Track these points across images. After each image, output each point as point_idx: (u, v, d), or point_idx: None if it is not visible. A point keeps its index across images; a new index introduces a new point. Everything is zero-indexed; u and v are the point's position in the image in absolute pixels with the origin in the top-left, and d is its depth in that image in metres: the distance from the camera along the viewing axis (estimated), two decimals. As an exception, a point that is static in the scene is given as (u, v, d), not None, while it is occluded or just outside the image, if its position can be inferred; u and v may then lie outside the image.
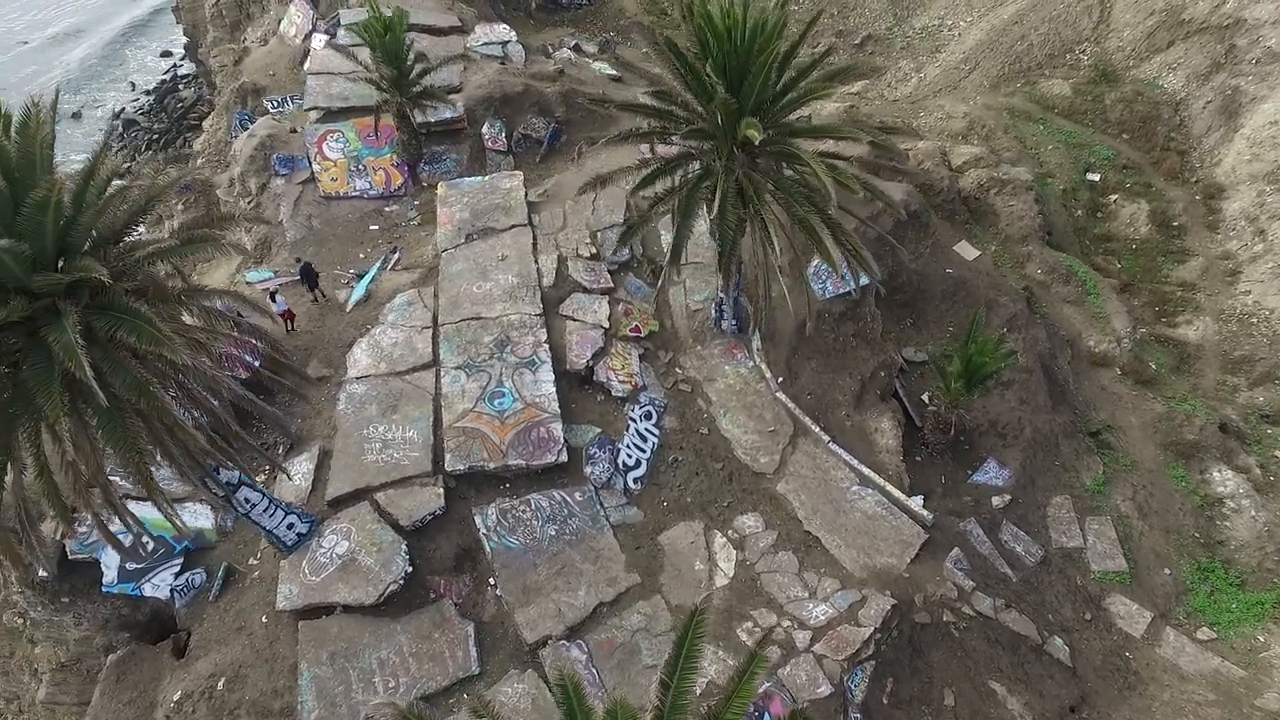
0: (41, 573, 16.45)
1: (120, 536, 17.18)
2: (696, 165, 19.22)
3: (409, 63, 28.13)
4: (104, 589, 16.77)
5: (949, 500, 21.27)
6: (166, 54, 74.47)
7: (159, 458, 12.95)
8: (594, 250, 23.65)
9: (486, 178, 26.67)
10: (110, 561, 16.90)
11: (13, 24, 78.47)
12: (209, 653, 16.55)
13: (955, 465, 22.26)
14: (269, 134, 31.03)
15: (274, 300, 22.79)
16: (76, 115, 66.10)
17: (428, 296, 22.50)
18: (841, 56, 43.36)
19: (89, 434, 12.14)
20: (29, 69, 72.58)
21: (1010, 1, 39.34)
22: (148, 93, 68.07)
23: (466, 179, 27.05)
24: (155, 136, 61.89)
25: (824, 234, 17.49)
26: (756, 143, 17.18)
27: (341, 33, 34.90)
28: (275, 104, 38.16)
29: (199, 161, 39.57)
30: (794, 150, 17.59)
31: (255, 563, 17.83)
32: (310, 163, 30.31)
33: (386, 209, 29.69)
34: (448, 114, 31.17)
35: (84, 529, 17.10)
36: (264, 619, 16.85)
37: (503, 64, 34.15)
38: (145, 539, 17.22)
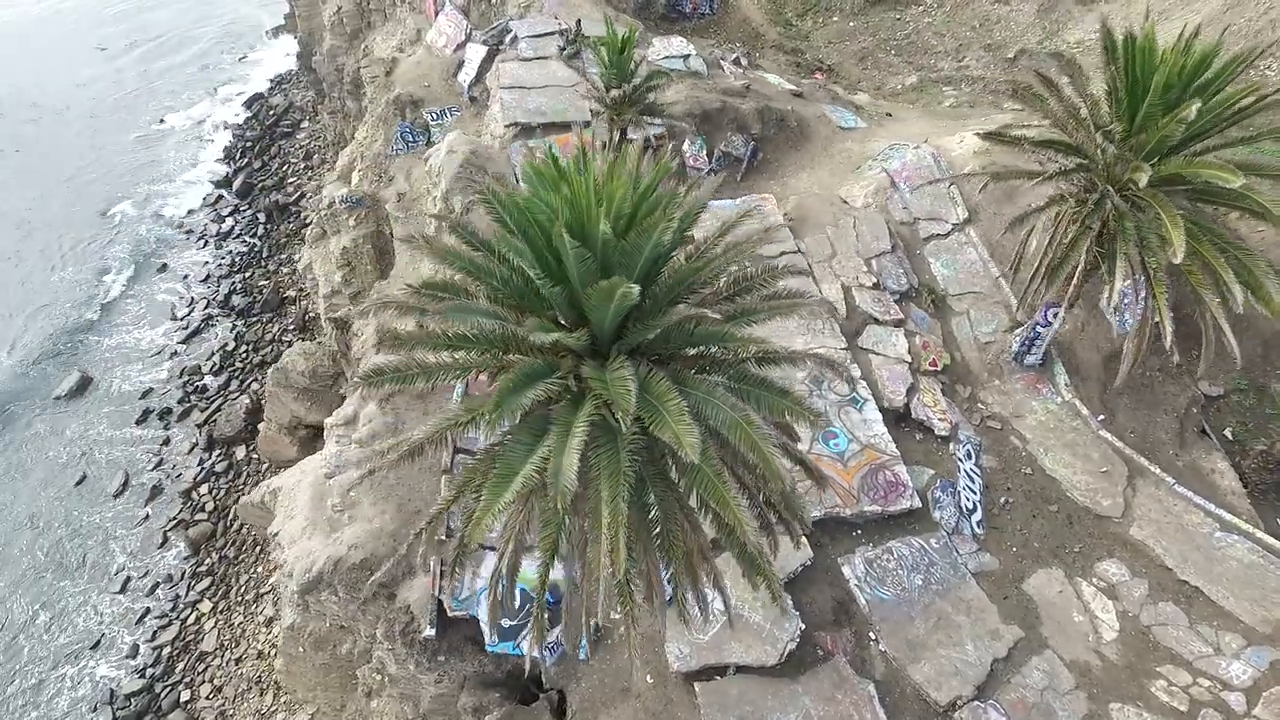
0: (428, 631, 15.66)
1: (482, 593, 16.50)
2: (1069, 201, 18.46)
3: (638, 80, 27.35)
4: (489, 648, 15.98)
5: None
6: (244, 59, 73.59)
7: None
8: (875, 279, 22.92)
9: (738, 200, 25.90)
10: (487, 620, 16.12)
11: (91, 30, 77.34)
12: (596, 715, 15.78)
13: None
14: (471, 150, 30.17)
15: None
16: (162, 121, 64.96)
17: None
18: (992, 71, 42.82)
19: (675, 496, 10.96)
20: (108, 74, 71.48)
21: (1182, 12, 38.70)
22: (235, 101, 66.99)
23: (715, 202, 26.25)
24: (249, 144, 60.84)
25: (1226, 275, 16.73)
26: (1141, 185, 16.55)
27: (523, 45, 34.07)
28: (434, 116, 37.47)
29: (355, 177, 38.62)
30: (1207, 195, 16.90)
31: (617, 617, 17.06)
32: (518, 180, 29.46)
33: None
34: (649, 131, 30.43)
35: (457, 584, 16.32)
36: (649, 679, 16.09)
37: (695, 79, 33.38)
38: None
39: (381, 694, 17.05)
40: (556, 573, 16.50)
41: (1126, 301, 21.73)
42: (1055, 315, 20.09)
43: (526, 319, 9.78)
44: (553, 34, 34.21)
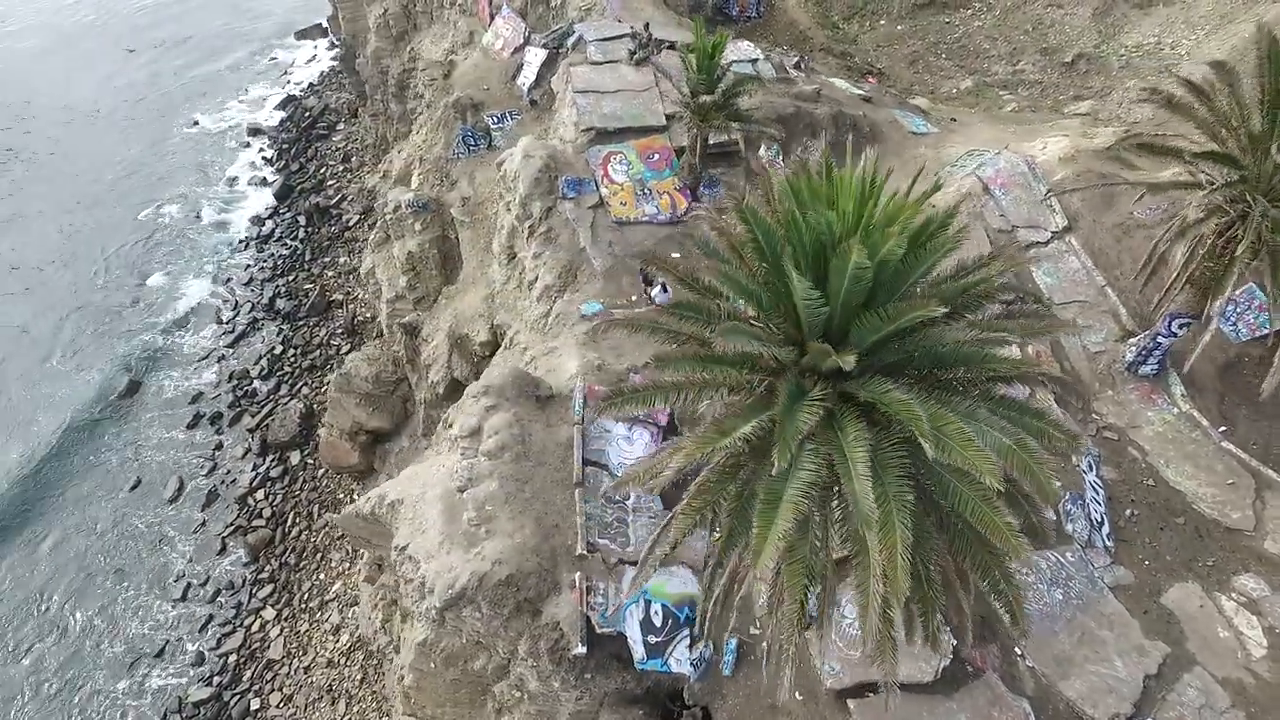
0: (579, 648, 15.42)
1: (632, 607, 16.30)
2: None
3: (725, 85, 27.11)
4: (639, 666, 15.74)
5: None
6: (274, 60, 73.32)
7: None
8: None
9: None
10: (635, 636, 15.89)
11: (119, 31, 77.02)
12: (747, 733, 15.56)
13: None
14: (549, 155, 29.87)
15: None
16: (194, 124, 64.68)
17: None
18: (1049, 75, 42.62)
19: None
20: (138, 76, 71.19)
21: (1244, 18, 38.52)
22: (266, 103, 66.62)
23: None
24: (285, 146, 60.56)
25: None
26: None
27: (592, 49, 33.79)
28: (495, 120, 37.24)
29: (415, 180, 38.31)
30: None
31: (756, 632, 16.84)
32: (597, 186, 29.26)
33: (679, 235, 28.66)
34: (724, 136, 30.20)
35: (600, 600, 16.09)
36: (798, 696, 15.86)
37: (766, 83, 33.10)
38: (655, 610, 16.25)
39: (515, 710, 16.79)
40: (685, 587, 16.33)
41: (1239, 310, 21.59)
42: (1183, 327, 19.88)
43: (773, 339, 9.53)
44: (622, 37, 33.88)
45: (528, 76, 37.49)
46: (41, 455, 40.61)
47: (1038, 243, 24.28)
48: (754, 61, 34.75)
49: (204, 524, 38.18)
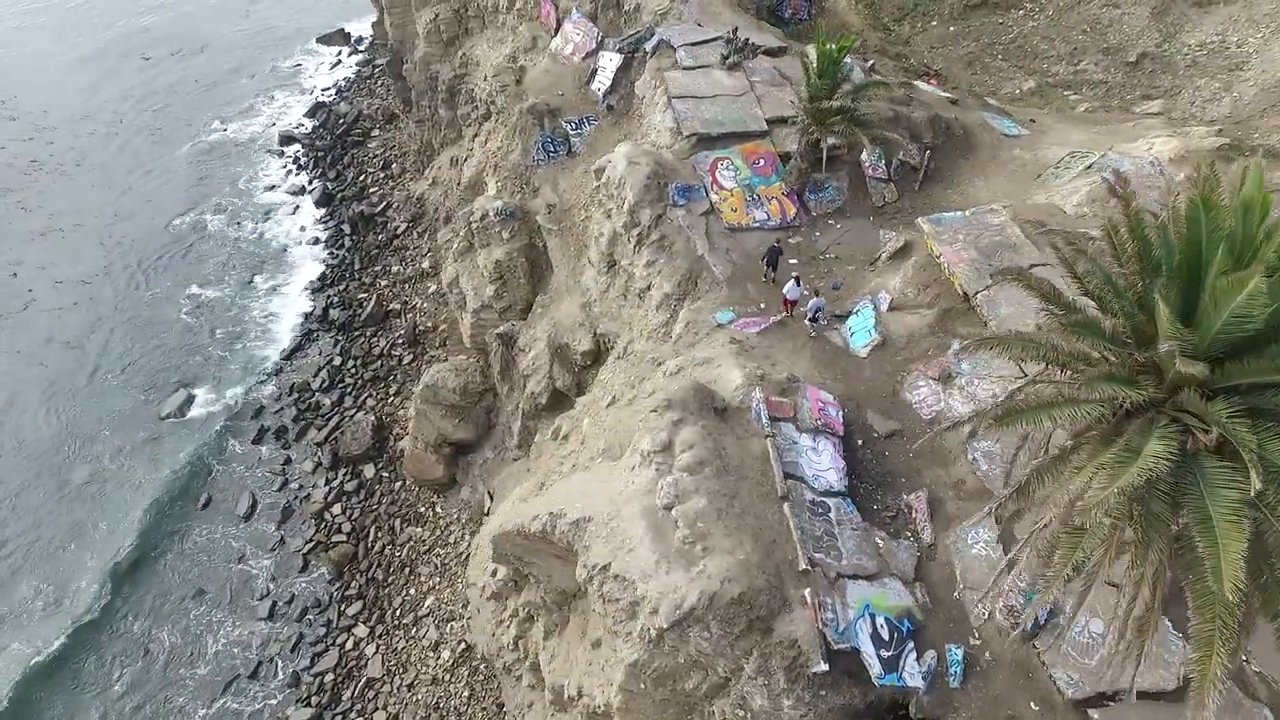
0: (820, 665, 15.18)
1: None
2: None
3: (850, 89, 27.01)
4: (878, 681, 15.50)
5: None
6: (299, 66, 72.29)
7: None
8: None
9: (966, 213, 25.55)
10: (869, 650, 15.68)
11: (132, 39, 75.57)
12: (985, 746, 15.41)
13: None
14: (656, 161, 29.54)
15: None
16: (223, 131, 63.65)
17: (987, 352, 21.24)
18: (1113, 75, 42.95)
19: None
20: (158, 84, 69.91)
21: (1305, 19, 39.07)
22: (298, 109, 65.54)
23: (945, 215, 25.91)
24: (320, 153, 59.73)
25: None
26: None
27: (682, 54, 33.53)
28: (574, 125, 36.92)
29: (492, 187, 37.85)
30: None
31: (977, 642, 16.70)
32: (707, 192, 29.02)
33: (791, 240, 28.50)
34: (842, 141, 29.97)
35: (831, 615, 15.87)
36: (1033, 705, 15.75)
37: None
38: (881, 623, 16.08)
39: None
40: (900, 599, 16.16)
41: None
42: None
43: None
44: (711, 41, 33.67)
45: (603, 82, 37.16)
46: (104, 476, 39.71)
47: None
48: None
49: (282, 541, 37.50)
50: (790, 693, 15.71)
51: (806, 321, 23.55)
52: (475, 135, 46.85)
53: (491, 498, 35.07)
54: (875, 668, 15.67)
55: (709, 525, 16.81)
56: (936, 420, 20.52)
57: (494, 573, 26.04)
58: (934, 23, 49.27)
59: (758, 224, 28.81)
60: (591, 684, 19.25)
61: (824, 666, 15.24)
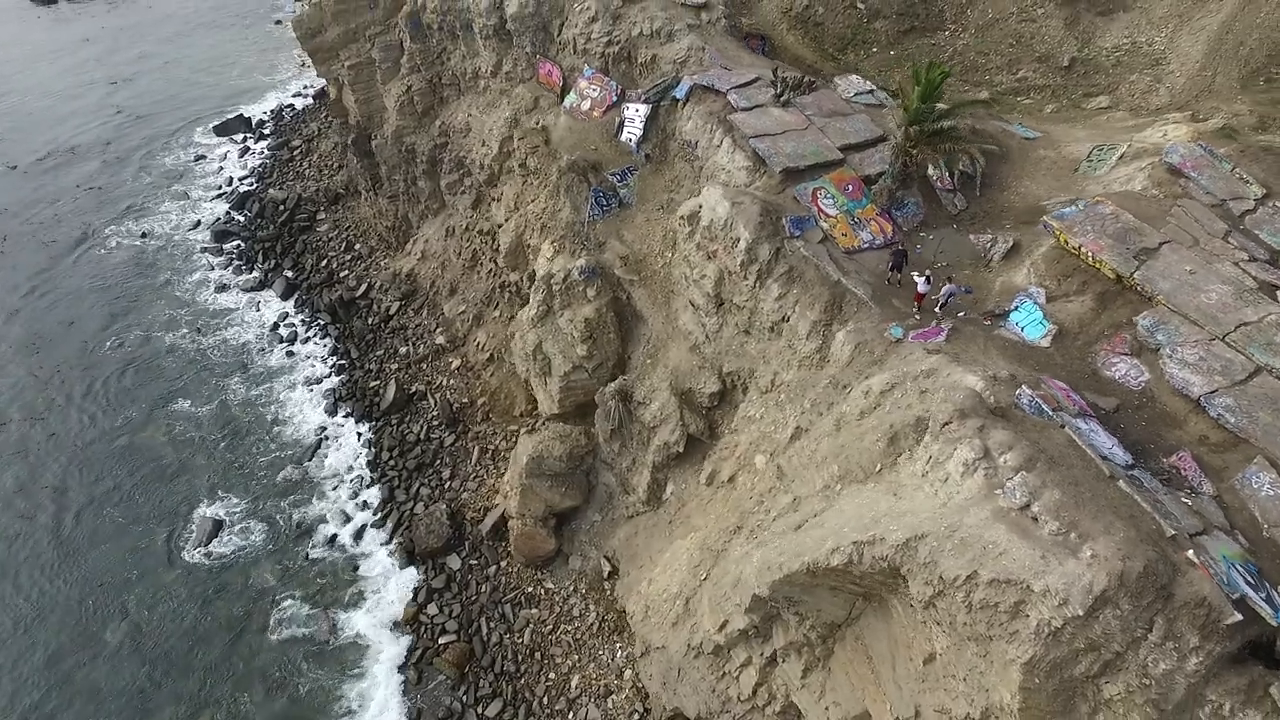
0: (1235, 616, 16.28)
1: None
2: None
3: (943, 109, 29.21)
4: (1276, 620, 16.74)
5: None
6: (201, 158, 67.53)
7: None
8: (1246, 254, 25.94)
9: (1078, 207, 28.09)
10: (1254, 596, 16.94)
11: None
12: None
13: None
14: (765, 199, 30.37)
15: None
16: (145, 235, 58.36)
17: (1175, 321, 23.22)
18: (1054, 79, 48.44)
19: None
20: (37, 194, 62.96)
21: (1200, 16, 46.03)
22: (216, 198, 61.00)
23: (1064, 210, 28.31)
24: (267, 244, 56.02)
25: None
26: None
27: (734, 96, 34.71)
28: (620, 177, 37.34)
29: (547, 250, 37.01)
30: None
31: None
32: (816, 221, 30.26)
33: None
34: (936, 160, 31.93)
35: (1218, 572, 17.11)
36: None
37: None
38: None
39: (1113, 706, 17.39)
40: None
41: None
42: None
43: None
44: (755, 82, 35.09)
45: (633, 132, 37.80)
46: (141, 630, 35.03)
47: (1248, 211, 28.14)
48: (870, 91, 37.28)
49: (380, 658, 34.44)
50: (1201, 649, 16.77)
51: (937, 310, 25.39)
52: (476, 203, 45.88)
53: (609, 560, 34.07)
54: (1265, 609, 17.06)
55: (1072, 514, 17.68)
56: (1147, 390, 22.55)
57: (721, 626, 25.47)
58: (874, 49, 53.50)
59: (866, 244, 30.24)
60: (943, 699, 19.47)
61: (1239, 616, 16.42)
